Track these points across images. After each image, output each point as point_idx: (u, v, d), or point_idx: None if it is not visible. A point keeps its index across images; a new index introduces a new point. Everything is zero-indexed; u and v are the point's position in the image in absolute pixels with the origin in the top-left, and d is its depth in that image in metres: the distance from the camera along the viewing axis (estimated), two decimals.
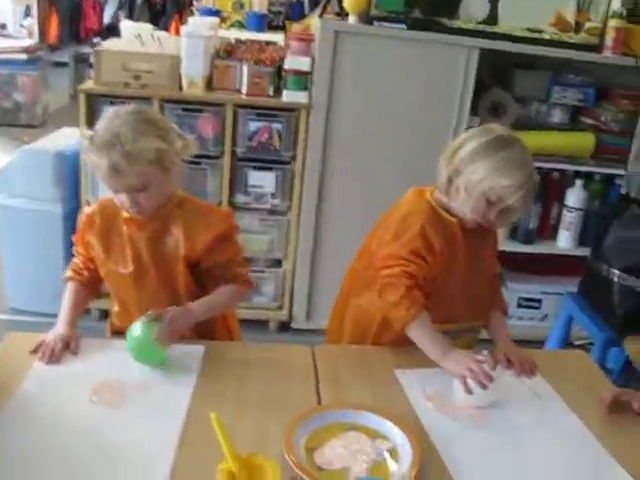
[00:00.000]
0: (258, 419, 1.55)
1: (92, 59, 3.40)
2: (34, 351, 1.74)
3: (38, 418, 1.50)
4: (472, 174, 1.79)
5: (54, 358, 1.73)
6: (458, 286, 1.91)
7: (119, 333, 1.91)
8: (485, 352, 1.73)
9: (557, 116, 3.53)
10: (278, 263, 3.56)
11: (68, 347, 1.77)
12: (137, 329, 1.70)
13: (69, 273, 1.98)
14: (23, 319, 3.37)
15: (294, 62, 3.20)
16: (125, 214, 1.86)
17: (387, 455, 1.44)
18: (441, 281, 1.88)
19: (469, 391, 1.65)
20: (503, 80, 3.47)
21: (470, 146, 1.82)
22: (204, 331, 1.93)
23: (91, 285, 1.98)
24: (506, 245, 3.44)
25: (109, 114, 1.77)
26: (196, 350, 1.81)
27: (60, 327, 1.83)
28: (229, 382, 1.69)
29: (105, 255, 1.90)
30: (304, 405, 1.60)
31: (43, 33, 7.60)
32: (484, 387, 1.63)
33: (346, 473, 1.39)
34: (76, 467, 1.36)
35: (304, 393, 1.67)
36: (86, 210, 1.97)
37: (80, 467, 1.36)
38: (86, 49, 7.34)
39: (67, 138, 3.56)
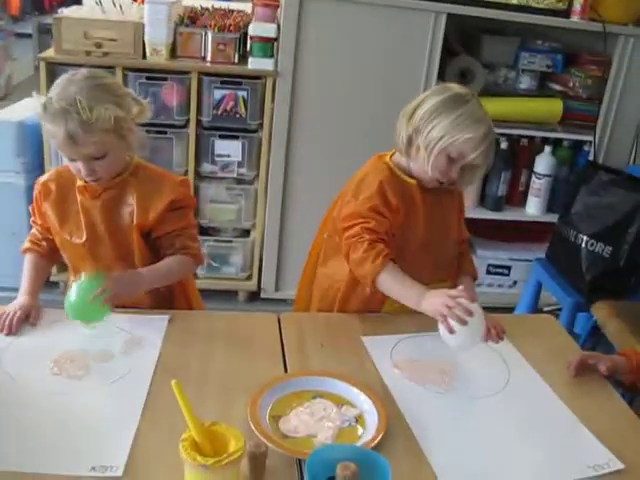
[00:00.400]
0: (223, 388, 1.53)
1: None
2: None
3: None
4: (432, 131, 1.78)
5: (13, 329, 1.69)
6: (418, 246, 1.90)
7: None
8: (460, 287, 1.70)
9: (525, 82, 3.51)
10: (246, 233, 3.53)
11: (29, 317, 1.74)
12: (74, 290, 1.65)
13: (27, 244, 1.94)
14: None
15: (259, 29, 3.15)
16: (79, 182, 1.83)
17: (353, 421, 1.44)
18: (400, 240, 1.87)
19: (451, 329, 1.61)
20: (471, 46, 3.45)
21: (428, 104, 1.81)
22: (162, 301, 1.91)
23: (50, 255, 1.94)
24: (475, 212, 3.45)
25: (63, 80, 1.72)
26: (160, 319, 1.78)
27: (21, 298, 1.80)
28: (193, 351, 1.67)
29: (59, 224, 1.87)
30: (270, 373, 1.58)
31: (5, 4, 7.43)
32: (464, 322, 1.59)
33: (311, 440, 1.38)
34: (37, 438, 1.33)
35: (270, 361, 1.66)
36: (41, 179, 1.92)
37: (41, 438, 1.33)
38: (50, 20, 7.18)
39: (29, 109, 3.44)
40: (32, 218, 1.94)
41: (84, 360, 1.60)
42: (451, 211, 2.00)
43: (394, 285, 1.76)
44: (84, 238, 1.85)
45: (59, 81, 1.73)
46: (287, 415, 1.44)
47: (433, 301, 1.66)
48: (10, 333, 1.68)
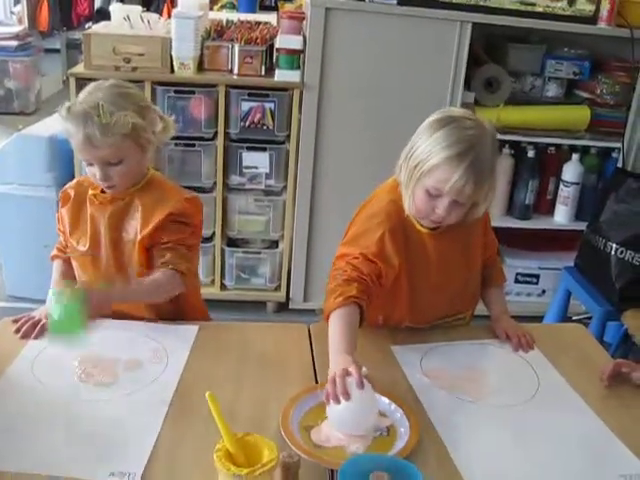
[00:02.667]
0: (253, 399, 1.54)
1: None
2: (15, 322, 1.76)
3: (26, 395, 1.51)
4: (412, 157, 1.68)
5: (32, 334, 1.73)
6: (430, 289, 1.82)
7: None
8: (364, 369, 1.46)
9: (552, 90, 3.49)
10: (275, 244, 3.55)
11: None
12: (53, 309, 1.61)
13: (54, 252, 2.01)
14: (21, 306, 3.36)
15: (285, 41, 3.17)
16: (92, 191, 1.87)
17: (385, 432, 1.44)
18: (407, 285, 1.79)
19: (327, 401, 1.43)
20: (497, 55, 3.44)
21: (421, 127, 1.71)
22: (166, 314, 1.90)
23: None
24: (502, 221, 3.44)
25: (90, 86, 1.79)
26: (189, 329, 1.81)
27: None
28: (222, 361, 1.69)
29: (70, 230, 1.91)
30: (301, 383, 1.59)
31: (33, 20, 7.52)
32: (335, 400, 1.40)
33: (343, 450, 1.38)
34: (60, 443, 1.36)
35: (301, 371, 1.67)
36: (65, 187, 1.97)
37: (64, 443, 1.37)
38: (77, 35, 7.27)
39: (59, 123, 3.53)
40: (57, 225, 1.99)
41: (112, 368, 1.62)
42: (474, 240, 1.89)
43: (332, 329, 1.61)
44: (87, 246, 1.88)
45: (87, 87, 1.79)
46: (319, 425, 1.45)
47: (333, 367, 1.49)
48: (26, 338, 1.72)
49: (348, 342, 1.56)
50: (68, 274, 1.97)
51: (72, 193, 1.93)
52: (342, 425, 1.42)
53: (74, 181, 2.00)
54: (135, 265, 1.87)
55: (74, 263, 1.96)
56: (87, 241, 1.88)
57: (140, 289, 1.83)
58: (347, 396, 1.40)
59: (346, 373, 1.43)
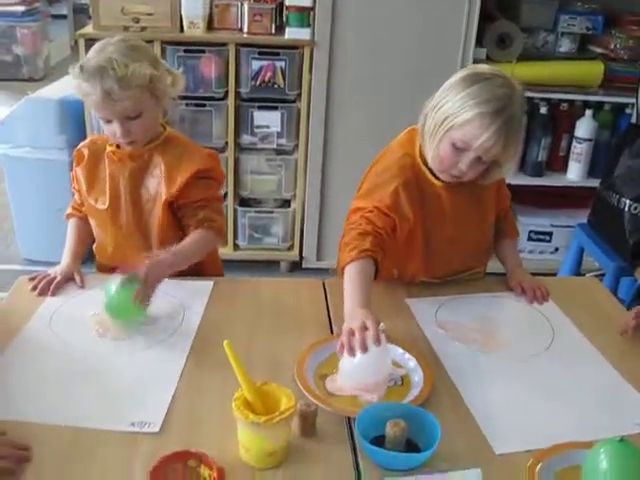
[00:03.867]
0: (269, 350, 1.56)
1: None
2: (31, 280, 1.79)
3: (45, 351, 1.53)
4: (440, 110, 1.65)
5: (49, 292, 1.75)
6: (444, 242, 1.82)
7: (102, 268, 1.96)
8: (382, 325, 1.47)
9: (565, 45, 3.46)
10: (287, 203, 3.55)
11: (68, 281, 1.81)
12: (114, 292, 1.59)
13: (69, 210, 2.01)
14: (36, 269, 3.36)
15: None
16: (109, 148, 1.86)
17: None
18: (422, 238, 1.79)
19: (341, 353, 1.44)
20: (509, 11, 3.40)
21: (448, 81, 1.68)
22: (192, 273, 1.88)
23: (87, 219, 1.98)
24: (515, 178, 3.42)
25: (99, 44, 1.77)
26: (205, 285, 1.82)
27: (63, 262, 1.86)
28: (238, 315, 1.70)
29: (87, 189, 1.91)
30: (316, 335, 1.60)
31: None
32: (351, 353, 1.41)
33: (357, 399, 1.40)
34: (81, 395, 1.39)
35: (316, 325, 1.68)
36: (78, 146, 1.96)
37: (85, 395, 1.39)
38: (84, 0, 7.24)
39: (70, 86, 3.50)
40: (72, 184, 1.99)
41: (129, 323, 1.63)
42: (488, 194, 1.87)
43: (346, 284, 1.61)
44: (107, 204, 1.88)
45: (95, 46, 1.76)
46: (333, 374, 1.46)
47: (349, 320, 1.48)
48: (42, 295, 1.75)
49: (363, 295, 1.57)
50: (84, 232, 1.98)
51: (86, 152, 1.92)
52: (353, 377, 1.43)
53: (88, 140, 2.00)
54: (156, 222, 1.87)
55: (92, 221, 1.96)
56: (106, 199, 1.87)
57: (187, 253, 1.79)
58: (365, 349, 1.40)
59: (364, 327, 1.43)
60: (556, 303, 1.82)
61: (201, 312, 1.70)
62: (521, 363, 1.57)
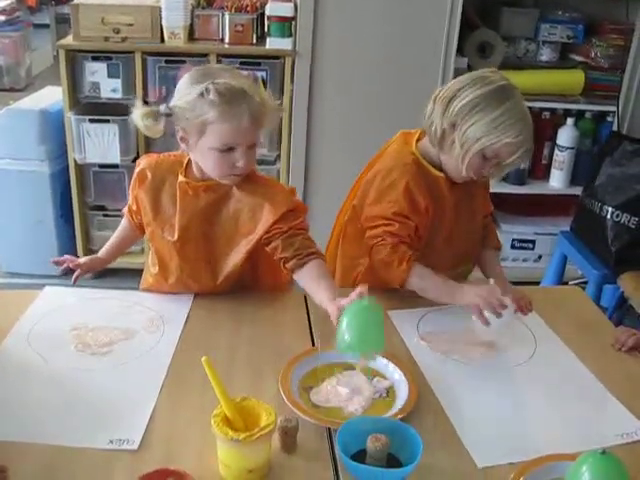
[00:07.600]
0: (250, 364, 1.54)
1: None
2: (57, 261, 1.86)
3: (23, 366, 1.52)
4: (469, 130, 1.70)
5: (73, 278, 1.84)
6: (443, 239, 1.88)
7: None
8: (492, 281, 1.70)
9: (546, 54, 3.48)
10: None
11: (90, 271, 1.91)
12: (348, 317, 1.42)
13: (125, 209, 1.93)
14: (16, 281, 3.36)
15: (276, 8, 3.13)
16: (181, 178, 1.74)
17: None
18: (426, 235, 1.85)
19: (486, 321, 1.61)
20: (490, 19, 3.42)
21: (467, 97, 1.70)
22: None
23: (139, 229, 1.91)
24: (498, 187, 3.42)
25: (198, 71, 1.65)
26: (184, 298, 1.80)
27: (97, 254, 1.95)
28: (219, 328, 1.69)
29: (152, 216, 1.79)
30: (298, 349, 1.58)
31: None
32: (499, 315, 1.60)
33: (342, 410, 1.39)
34: (59, 412, 1.37)
35: (297, 337, 1.66)
36: (140, 164, 1.82)
37: (63, 412, 1.37)
38: (67, 9, 7.19)
39: (51, 97, 3.49)
40: (130, 203, 1.87)
41: (108, 337, 1.62)
42: (478, 194, 1.95)
43: (425, 287, 1.74)
44: (176, 237, 1.76)
45: (195, 74, 1.64)
46: (318, 386, 1.45)
47: (469, 294, 1.65)
48: (63, 272, 1.87)
49: (450, 280, 1.71)
50: (127, 238, 1.99)
51: (149, 175, 1.78)
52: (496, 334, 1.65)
53: (152, 161, 1.81)
54: (230, 261, 1.77)
55: (155, 246, 1.84)
56: (175, 231, 1.75)
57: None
58: (504, 306, 1.60)
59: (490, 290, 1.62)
60: (539, 313, 1.82)
61: (181, 327, 1.68)
62: (503, 374, 1.57)
